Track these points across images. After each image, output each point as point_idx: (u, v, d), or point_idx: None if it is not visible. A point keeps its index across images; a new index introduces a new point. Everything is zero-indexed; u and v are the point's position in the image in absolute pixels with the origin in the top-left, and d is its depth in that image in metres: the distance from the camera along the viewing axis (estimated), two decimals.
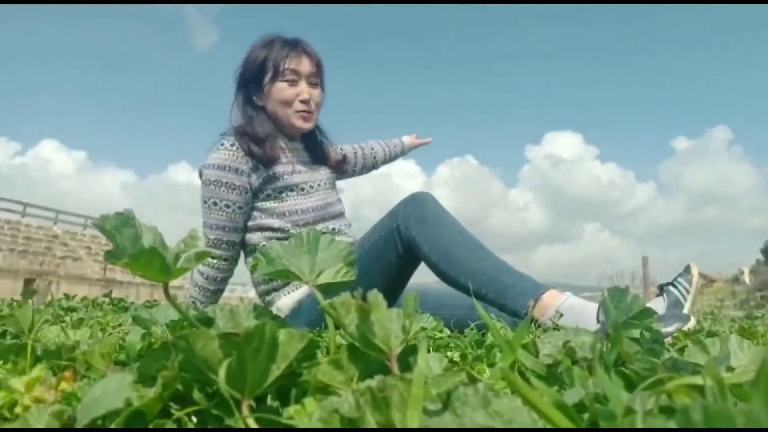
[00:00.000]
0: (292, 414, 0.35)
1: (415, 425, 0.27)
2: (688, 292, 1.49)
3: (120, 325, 1.21)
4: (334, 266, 0.64)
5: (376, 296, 0.44)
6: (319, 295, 0.59)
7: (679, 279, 1.51)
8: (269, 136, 1.74)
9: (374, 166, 2.27)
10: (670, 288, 1.51)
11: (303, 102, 1.75)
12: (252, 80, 1.77)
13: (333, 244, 0.66)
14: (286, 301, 1.66)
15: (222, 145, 1.67)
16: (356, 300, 0.44)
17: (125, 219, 0.54)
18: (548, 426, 0.27)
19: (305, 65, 1.75)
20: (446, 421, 0.27)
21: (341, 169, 2.02)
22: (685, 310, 1.45)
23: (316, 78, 1.77)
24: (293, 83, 1.74)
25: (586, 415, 0.33)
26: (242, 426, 0.34)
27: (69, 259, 19.50)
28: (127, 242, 0.53)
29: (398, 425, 0.28)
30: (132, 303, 2.74)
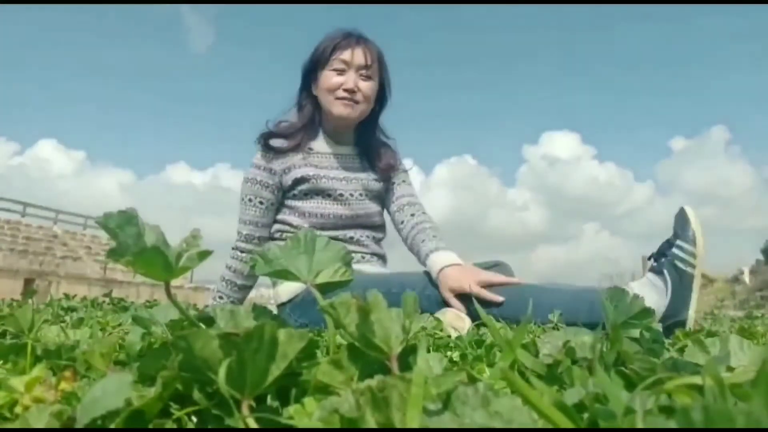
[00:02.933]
0: (292, 414, 0.35)
1: (415, 425, 0.27)
2: (693, 256, 1.22)
3: (120, 325, 1.21)
4: (332, 266, 0.65)
5: (375, 296, 0.44)
6: (318, 295, 0.59)
7: (680, 243, 1.27)
8: (303, 128, 1.77)
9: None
10: (671, 263, 1.21)
11: (346, 90, 1.72)
12: (311, 70, 1.81)
13: (330, 245, 0.66)
14: (284, 287, 1.68)
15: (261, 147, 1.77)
16: (356, 300, 0.44)
17: (128, 217, 0.54)
18: (548, 426, 0.27)
19: (356, 56, 1.73)
20: (446, 421, 0.27)
21: (386, 176, 1.87)
22: (695, 285, 1.20)
23: (369, 71, 1.74)
24: (341, 72, 1.73)
25: (586, 415, 0.33)
26: (242, 426, 0.34)
27: (69, 259, 19.49)
28: (129, 240, 0.53)
29: (398, 425, 0.28)
30: (132, 303, 2.74)
